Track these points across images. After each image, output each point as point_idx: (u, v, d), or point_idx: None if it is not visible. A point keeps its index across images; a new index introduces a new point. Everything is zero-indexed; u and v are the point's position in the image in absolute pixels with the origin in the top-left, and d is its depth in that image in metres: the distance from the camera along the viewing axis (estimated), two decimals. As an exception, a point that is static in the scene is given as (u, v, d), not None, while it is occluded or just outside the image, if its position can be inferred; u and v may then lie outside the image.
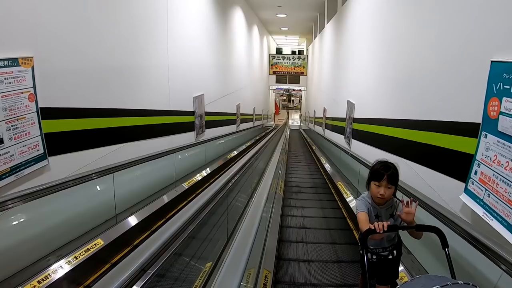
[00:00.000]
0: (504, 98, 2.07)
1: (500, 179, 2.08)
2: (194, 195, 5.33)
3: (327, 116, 11.73)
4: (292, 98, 43.42)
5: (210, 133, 8.20)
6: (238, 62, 12.72)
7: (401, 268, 2.61)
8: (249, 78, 15.27)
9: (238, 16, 12.18)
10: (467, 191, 2.48)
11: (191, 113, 7.02)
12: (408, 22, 4.16)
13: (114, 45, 4.18)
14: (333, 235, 4.40)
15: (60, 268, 2.66)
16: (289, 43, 28.85)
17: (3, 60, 2.58)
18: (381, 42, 5.37)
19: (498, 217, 2.10)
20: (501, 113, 2.09)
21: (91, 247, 3.02)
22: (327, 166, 8.25)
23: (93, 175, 3.41)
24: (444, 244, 1.70)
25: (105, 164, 3.71)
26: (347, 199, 5.11)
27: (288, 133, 20.06)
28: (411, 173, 3.53)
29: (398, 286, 1.26)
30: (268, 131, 18.29)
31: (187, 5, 6.80)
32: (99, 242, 3.15)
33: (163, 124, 5.67)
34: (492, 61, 2.23)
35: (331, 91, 10.92)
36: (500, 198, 2.08)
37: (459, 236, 2.21)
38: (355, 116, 6.72)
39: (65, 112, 3.32)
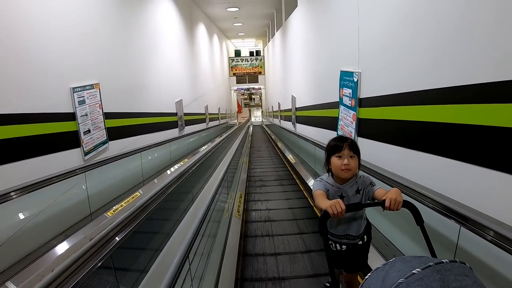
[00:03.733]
0: (342, 88, 4.54)
1: (345, 123, 4.55)
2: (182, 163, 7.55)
3: (281, 109, 14.26)
4: (253, 96, 45.68)
5: (188, 129, 10.41)
6: (204, 70, 14.90)
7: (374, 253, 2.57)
8: (213, 82, 17.46)
9: (201, 30, 14.37)
10: (338, 133, 4.96)
11: (175, 114, 9.19)
12: (316, 43, 6.67)
13: (134, 70, 6.36)
14: (300, 225, 4.32)
15: (131, 198, 4.81)
16: (247, 45, 31.23)
17: (87, 85, 4.71)
18: (305, 54, 7.91)
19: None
20: (343, 95, 4.57)
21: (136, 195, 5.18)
22: (284, 149, 10.74)
23: (130, 153, 5.56)
24: (419, 220, 1.56)
25: (133, 148, 5.87)
26: (292, 161, 7.56)
27: (251, 129, 22.36)
28: (320, 134, 6.03)
29: (369, 274, 1.04)
30: (233, 129, 20.53)
31: (169, 34, 8.97)
32: (137, 194, 5.31)
33: (159, 123, 7.83)
34: (341, 70, 4.70)
35: (282, 88, 13.47)
36: (345, 132, 4.55)
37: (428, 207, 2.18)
38: (297, 106, 9.23)
39: (115, 115, 5.47)
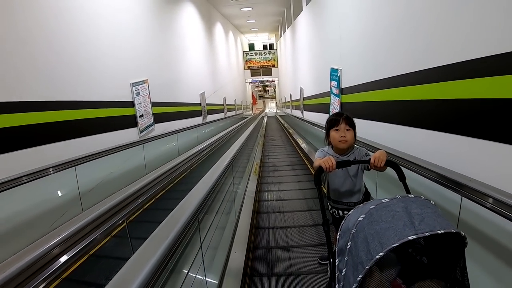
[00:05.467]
0: (331, 81, 6.00)
1: (334, 107, 6.00)
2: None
3: (292, 99, 15.69)
4: (267, 88, 46.84)
5: (209, 117, 12.00)
6: (221, 64, 16.43)
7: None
8: (229, 75, 18.99)
9: (218, 29, 15.87)
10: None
11: (199, 105, 10.78)
12: (316, 45, 8.09)
13: (170, 68, 7.96)
14: (309, 203, 4.54)
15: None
16: (260, 39, 32.46)
17: (141, 81, 6.30)
18: (308, 52, 9.34)
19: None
20: (332, 86, 6.02)
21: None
22: (296, 137, 12.21)
23: (169, 134, 7.16)
24: (401, 177, 1.69)
25: (171, 129, 7.47)
26: (305, 149, 9.04)
27: (266, 120, 23.73)
28: (319, 117, 7.50)
29: (351, 211, 1.25)
30: (248, 118, 22.06)
31: (192, 35, 10.53)
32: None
33: (187, 111, 9.43)
34: (330, 67, 6.14)
35: (293, 81, 14.91)
36: (334, 116, 6.02)
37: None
38: (304, 96, 10.68)
39: (157, 104, 7.07)
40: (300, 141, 9.34)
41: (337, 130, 2.01)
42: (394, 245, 0.98)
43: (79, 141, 4.50)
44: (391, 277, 1.20)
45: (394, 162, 1.74)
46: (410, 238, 0.98)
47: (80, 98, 4.56)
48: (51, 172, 3.57)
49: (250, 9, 16.14)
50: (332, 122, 2.04)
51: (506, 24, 1.88)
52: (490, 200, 1.65)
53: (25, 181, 3.21)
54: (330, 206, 2.22)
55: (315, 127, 7.29)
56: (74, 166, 3.95)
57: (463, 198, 1.93)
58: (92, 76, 4.90)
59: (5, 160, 3.31)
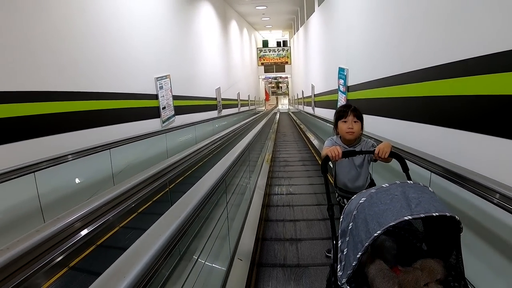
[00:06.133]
0: (339, 79, 6.49)
1: (341, 103, 6.49)
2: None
3: (304, 96, 16.16)
4: (280, 85, 47.12)
5: (224, 111, 12.59)
6: (235, 61, 16.99)
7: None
8: (243, 71, 19.54)
9: (233, 26, 16.42)
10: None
11: (215, 99, 11.37)
12: (325, 45, 8.56)
13: (189, 64, 8.56)
14: (319, 198, 4.60)
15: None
16: (274, 35, 32.75)
17: (163, 76, 6.90)
18: (319, 51, 9.81)
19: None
20: (339, 84, 6.51)
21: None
22: (309, 135, 12.70)
23: (188, 125, 7.76)
24: (405, 168, 1.73)
25: (194, 120, 8.07)
26: (312, 139, 9.55)
27: (278, 116, 24.08)
28: (328, 112, 7.99)
29: (354, 196, 1.31)
30: (261, 113, 22.59)
31: (209, 33, 11.11)
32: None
33: (204, 105, 10.03)
34: (338, 67, 6.62)
35: (305, 78, 15.38)
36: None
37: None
38: (315, 93, 11.17)
39: (177, 97, 7.68)
40: (311, 138, 9.83)
41: (345, 121, 2.07)
42: (391, 224, 1.06)
43: (114, 128, 5.14)
44: (391, 264, 1.28)
45: (398, 153, 1.79)
46: (406, 218, 1.05)
47: (115, 90, 5.19)
48: (91, 152, 4.18)
49: (265, 7, 16.62)
50: (341, 114, 2.09)
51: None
52: (497, 195, 1.72)
53: (70, 159, 3.83)
54: (337, 194, 2.32)
55: (327, 124, 7.77)
56: (109, 149, 4.57)
57: (451, 183, 2.12)
58: (126, 72, 5.54)
59: (66, 138, 3.98)
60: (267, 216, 3.97)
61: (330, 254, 2.79)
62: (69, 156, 3.82)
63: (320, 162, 6.45)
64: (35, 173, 3.31)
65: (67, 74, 4.25)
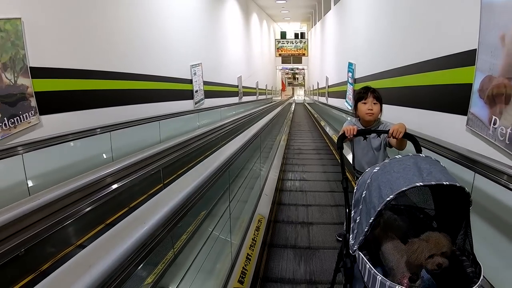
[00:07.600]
0: (348, 72, 7.51)
1: (349, 93, 7.51)
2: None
3: (319, 87, 17.11)
4: (297, 76, 47.22)
5: (244, 98, 13.72)
6: (255, 51, 18.02)
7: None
8: (261, 62, 20.54)
9: (254, 19, 17.41)
10: (346, 101, 7.93)
11: (236, 86, 12.50)
12: (338, 41, 9.53)
13: (216, 54, 9.72)
14: (332, 185, 4.65)
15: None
16: (292, 27, 33.25)
17: (197, 64, 8.03)
18: (333, 46, 10.79)
19: (346, 102, 7.58)
20: (348, 77, 7.52)
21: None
22: (324, 124, 13.71)
23: (215, 107, 8.89)
24: (418, 149, 1.74)
25: (218, 104, 9.21)
26: (327, 130, 10.58)
27: (293, 106, 24.28)
28: (338, 102, 9.01)
29: (369, 168, 1.34)
30: (277, 102, 23.54)
31: (233, 25, 12.19)
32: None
33: (227, 91, 11.15)
34: (348, 61, 7.62)
35: (320, 70, 16.32)
36: (349, 99, 7.52)
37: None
38: (329, 84, 12.17)
39: (207, 83, 8.81)
40: (326, 128, 10.82)
41: (364, 103, 2.10)
42: (403, 189, 1.09)
43: (160, 105, 6.33)
44: (403, 240, 1.29)
45: (412, 134, 1.80)
46: (417, 184, 1.08)
47: (162, 74, 6.37)
48: (146, 122, 5.33)
49: (285, 1, 17.51)
50: (360, 95, 2.12)
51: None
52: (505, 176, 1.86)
53: (135, 124, 5.00)
54: (356, 177, 2.34)
55: (339, 111, 8.77)
56: (158, 120, 5.73)
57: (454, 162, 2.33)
58: (169, 59, 6.75)
59: (129, 109, 5.19)
60: (280, 200, 4.08)
61: (341, 238, 2.84)
62: (134, 123, 4.99)
63: (334, 152, 7.14)
64: (111, 132, 4.48)
65: (128, 60, 5.42)
